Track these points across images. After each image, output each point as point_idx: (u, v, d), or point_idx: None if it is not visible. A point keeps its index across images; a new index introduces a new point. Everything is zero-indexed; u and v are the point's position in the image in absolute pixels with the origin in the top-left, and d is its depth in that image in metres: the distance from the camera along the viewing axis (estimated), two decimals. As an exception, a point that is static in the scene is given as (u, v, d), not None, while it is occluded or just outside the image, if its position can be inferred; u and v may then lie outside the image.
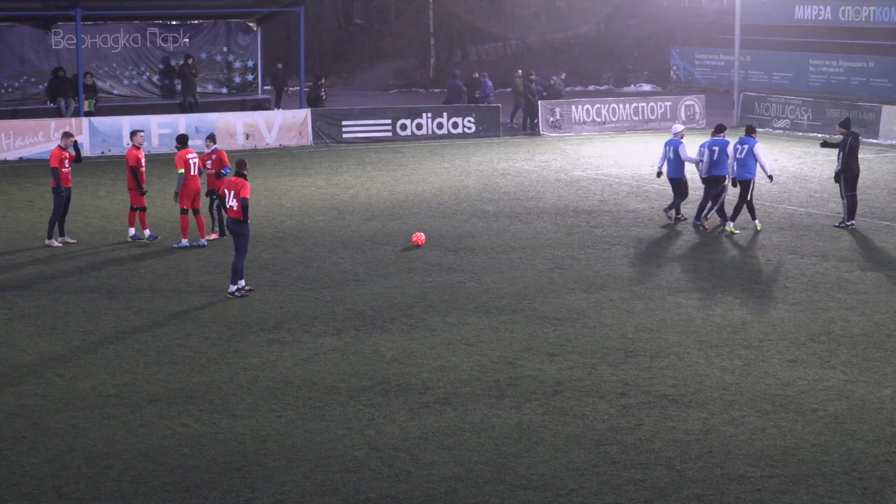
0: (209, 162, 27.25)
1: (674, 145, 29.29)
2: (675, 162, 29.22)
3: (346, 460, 14.64)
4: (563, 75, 53.78)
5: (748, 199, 28.00)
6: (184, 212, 26.61)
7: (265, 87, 51.46)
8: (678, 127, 30.20)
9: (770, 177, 28.85)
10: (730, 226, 27.90)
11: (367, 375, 17.83)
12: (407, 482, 14.03)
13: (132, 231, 27.54)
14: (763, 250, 26.28)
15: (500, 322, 20.65)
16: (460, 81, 50.72)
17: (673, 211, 29.37)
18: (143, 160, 27.36)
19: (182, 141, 27.12)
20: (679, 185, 29.38)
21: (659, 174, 29.75)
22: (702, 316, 20.98)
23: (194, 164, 26.65)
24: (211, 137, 27.57)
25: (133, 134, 27.94)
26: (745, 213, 28.34)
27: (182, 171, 26.48)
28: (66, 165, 27.06)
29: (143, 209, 27.47)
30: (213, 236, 27.39)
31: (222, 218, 27.03)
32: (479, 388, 17.27)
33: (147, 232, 27.48)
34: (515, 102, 50.34)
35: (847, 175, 28.62)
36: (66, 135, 27.45)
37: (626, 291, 22.68)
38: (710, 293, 22.53)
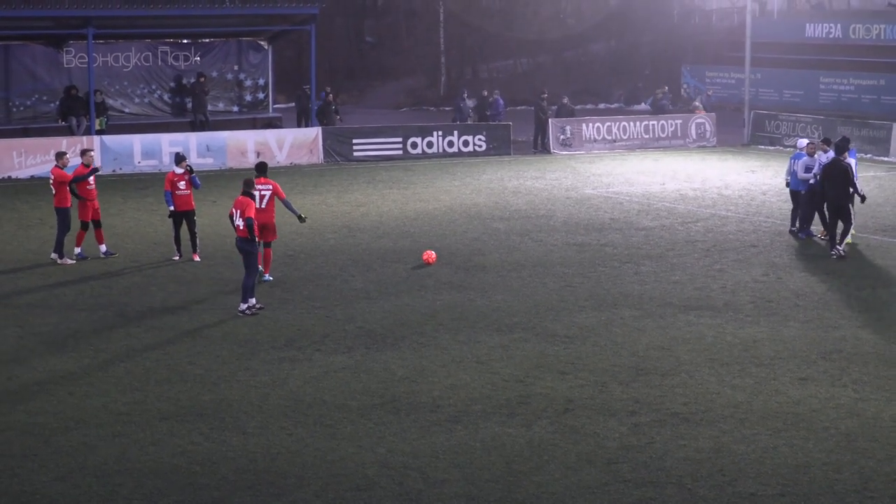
0: (182, 183, 27.04)
1: (798, 159, 29.58)
2: (797, 176, 29.67)
3: (356, 478, 14.63)
4: (711, 91, 53.90)
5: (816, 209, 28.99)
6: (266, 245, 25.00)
7: (285, 105, 51.32)
8: (803, 141, 30.52)
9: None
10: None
11: (377, 393, 17.82)
12: (417, 500, 14.01)
13: (78, 250, 27.66)
14: (773, 268, 26.25)
15: (510, 340, 20.64)
16: (465, 102, 50.57)
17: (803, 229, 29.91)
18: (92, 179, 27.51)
19: (260, 169, 24.90)
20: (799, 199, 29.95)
21: (787, 184, 30.42)
22: (713, 334, 20.95)
23: (261, 196, 24.33)
24: (183, 158, 27.46)
25: (84, 153, 28.04)
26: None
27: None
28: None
29: (83, 225, 27.53)
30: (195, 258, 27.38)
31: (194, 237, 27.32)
32: (490, 406, 17.25)
33: (77, 250, 27.59)
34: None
35: (825, 199, 27.71)
36: (60, 154, 27.78)
37: (636, 309, 22.65)
38: (721, 311, 22.50)
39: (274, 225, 24.77)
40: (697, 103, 53.08)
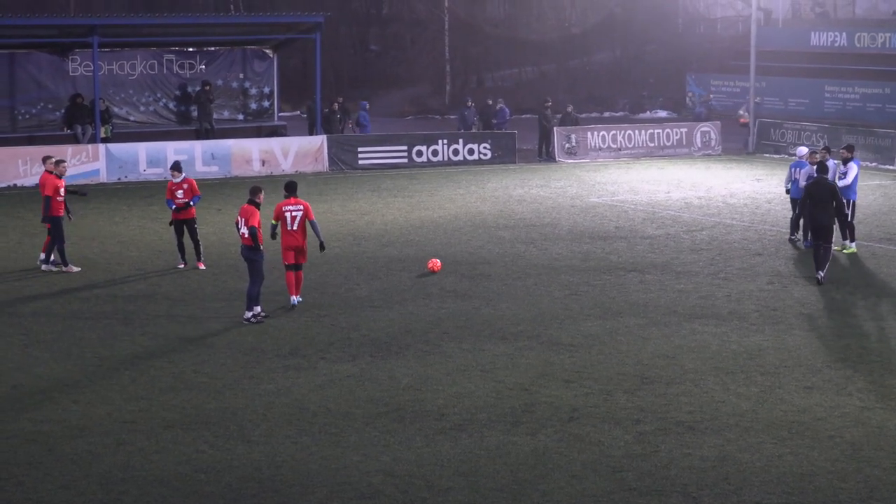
0: (180, 192, 27.17)
1: (798, 167, 29.56)
2: (798, 184, 29.44)
3: (361, 487, 14.62)
4: (759, 98, 54.03)
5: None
6: (288, 268, 23.62)
7: (290, 113, 51.31)
8: (802, 149, 30.62)
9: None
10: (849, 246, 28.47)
11: (382, 402, 17.81)
12: (422, 509, 14.01)
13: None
14: (778, 277, 26.23)
15: (515, 348, 20.63)
16: (469, 111, 50.55)
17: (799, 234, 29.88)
18: (61, 189, 27.30)
19: (290, 189, 23.50)
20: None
21: (787, 191, 30.50)
22: (718, 342, 20.93)
23: (293, 217, 23.19)
24: (177, 167, 27.55)
25: (58, 163, 27.75)
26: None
27: (276, 222, 23.35)
28: (61, 194, 27.19)
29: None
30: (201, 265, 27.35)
31: (197, 245, 27.28)
32: (495, 414, 17.24)
33: (43, 255, 27.55)
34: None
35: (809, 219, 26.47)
36: (59, 162, 27.69)
37: (641, 318, 22.64)
38: (726, 319, 22.49)
39: (305, 247, 23.46)
40: (742, 112, 53.50)
